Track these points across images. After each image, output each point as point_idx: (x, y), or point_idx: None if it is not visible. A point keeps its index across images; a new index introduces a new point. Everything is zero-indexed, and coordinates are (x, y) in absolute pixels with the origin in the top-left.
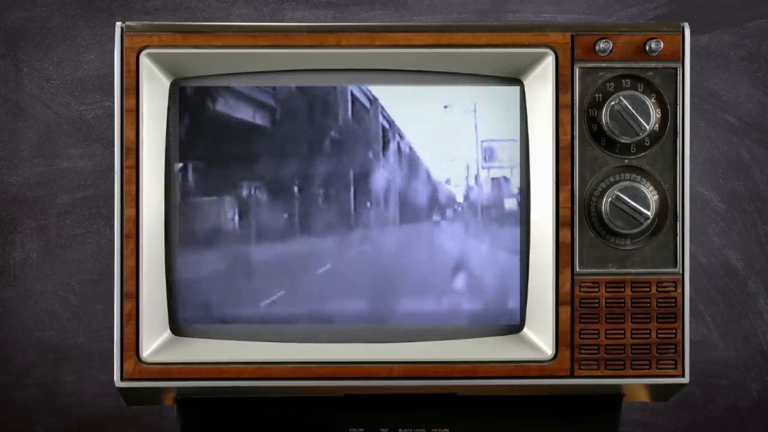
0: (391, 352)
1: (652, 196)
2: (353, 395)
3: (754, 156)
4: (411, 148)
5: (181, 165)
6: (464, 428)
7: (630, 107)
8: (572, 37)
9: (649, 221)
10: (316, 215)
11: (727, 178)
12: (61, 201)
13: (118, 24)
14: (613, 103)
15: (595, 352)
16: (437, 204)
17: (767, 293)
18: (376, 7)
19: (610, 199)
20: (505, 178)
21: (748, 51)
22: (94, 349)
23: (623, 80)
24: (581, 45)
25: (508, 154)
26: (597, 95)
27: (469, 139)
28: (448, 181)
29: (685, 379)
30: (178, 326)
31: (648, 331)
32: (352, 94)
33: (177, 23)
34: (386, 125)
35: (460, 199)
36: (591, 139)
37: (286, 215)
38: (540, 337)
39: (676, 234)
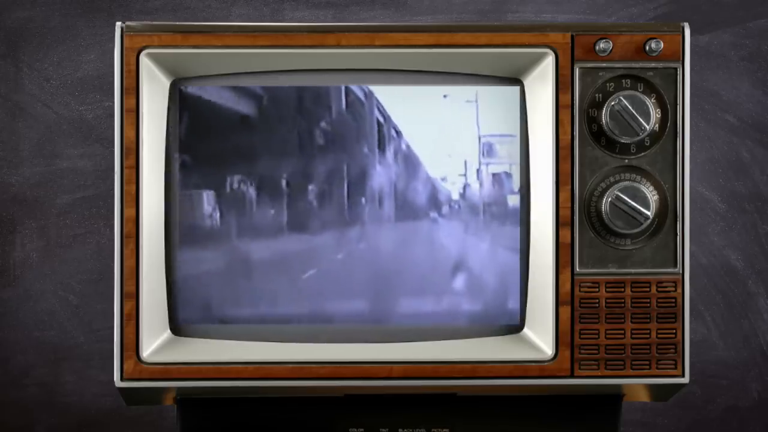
0: (390, 352)
1: (652, 196)
2: (353, 395)
3: (754, 156)
4: (408, 146)
5: (180, 165)
6: (464, 428)
7: (630, 107)
8: (572, 37)
9: (649, 221)
10: (317, 214)
11: (727, 178)
12: (61, 201)
13: (118, 24)
14: (613, 103)
15: (595, 352)
16: (436, 202)
17: (767, 293)
18: (376, 7)
19: (610, 199)
20: (505, 176)
21: (748, 51)
22: (94, 349)
23: (623, 80)
24: (581, 45)
25: (508, 151)
26: (597, 95)
27: (469, 138)
28: (446, 179)
29: (685, 379)
30: (178, 326)
31: (648, 331)
32: (354, 94)
33: (177, 23)
34: (381, 120)
35: (460, 196)
36: (591, 139)
37: (287, 215)
38: (540, 337)
39: (676, 234)
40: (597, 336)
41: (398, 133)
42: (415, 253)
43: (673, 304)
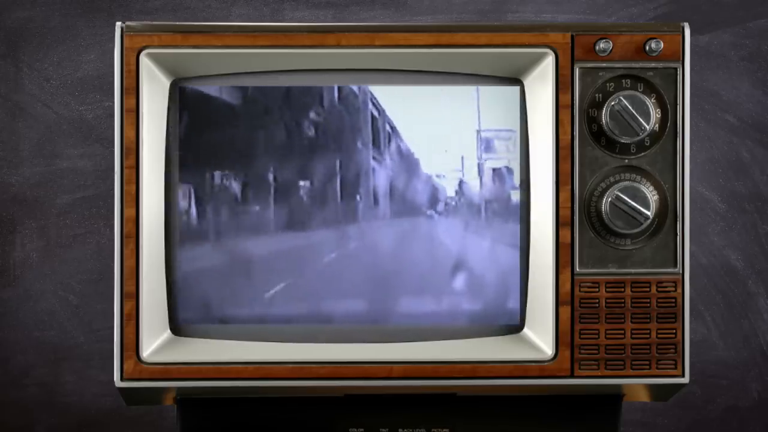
0: (390, 352)
1: (652, 196)
2: (353, 395)
3: (754, 156)
4: (408, 145)
5: (180, 164)
6: (464, 428)
7: (630, 107)
8: (572, 37)
9: (649, 221)
10: (318, 213)
11: (727, 178)
12: (61, 201)
13: (118, 24)
14: (613, 103)
15: (595, 352)
16: (437, 199)
17: (767, 293)
18: (376, 7)
19: (610, 199)
20: (505, 174)
21: (748, 51)
22: (94, 349)
23: (623, 80)
24: (581, 45)
25: (507, 150)
26: (597, 95)
27: (470, 138)
28: (445, 178)
29: (685, 379)
30: (178, 326)
31: (648, 331)
32: (356, 93)
33: (177, 23)
34: (376, 114)
35: (459, 195)
36: (591, 139)
37: (287, 214)
38: (540, 337)
39: (676, 234)
40: (597, 336)
41: (399, 133)
42: (415, 252)
43: (673, 304)
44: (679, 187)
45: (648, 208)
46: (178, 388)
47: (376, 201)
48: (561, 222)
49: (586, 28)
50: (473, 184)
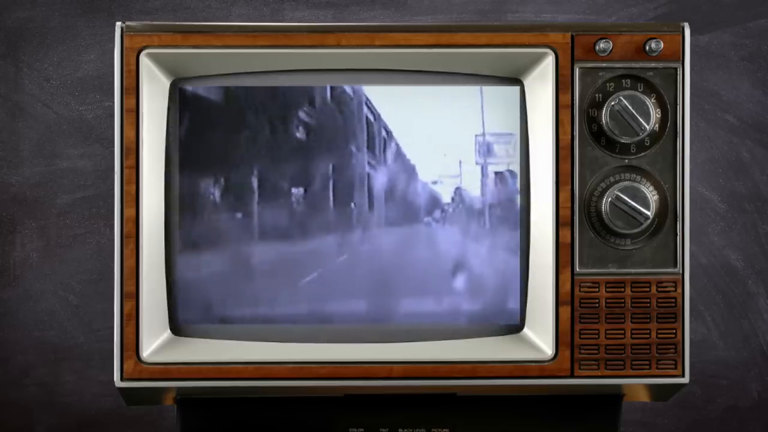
0: (390, 352)
1: (652, 196)
2: (353, 395)
3: (754, 156)
4: (407, 148)
5: (180, 164)
6: (464, 428)
7: (630, 107)
8: (572, 37)
9: (649, 221)
10: (317, 214)
11: (727, 178)
12: (61, 201)
13: (118, 24)
14: (613, 103)
15: (595, 352)
16: (437, 202)
17: (767, 293)
18: (376, 7)
19: (610, 199)
20: (505, 175)
21: (748, 51)
22: (94, 349)
23: (623, 80)
24: (581, 45)
25: (507, 150)
26: (597, 95)
27: (470, 138)
28: (444, 178)
29: (685, 379)
30: (178, 326)
31: (648, 331)
32: (351, 96)
33: (177, 23)
34: (372, 118)
35: (460, 196)
36: (591, 139)
37: (287, 215)
38: (540, 337)
39: (676, 234)
40: (597, 336)
41: (398, 136)
42: (415, 252)
43: (673, 304)
44: (679, 187)
45: (648, 208)
46: (178, 388)
47: (380, 203)
48: (561, 222)
49: (586, 28)
50: (473, 186)
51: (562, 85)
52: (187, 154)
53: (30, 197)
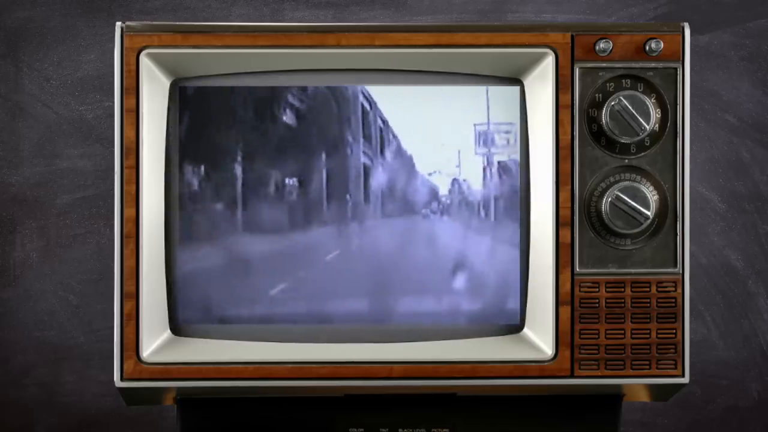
0: (390, 352)
1: (652, 196)
2: (353, 395)
3: (754, 156)
4: (407, 144)
5: (180, 164)
6: (464, 428)
7: (630, 107)
8: (572, 37)
9: (649, 221)
10: (317, 212)
11: (727, 178)
12: (61, 201)
13: (118, 24)
14: (613, 103)
15: (595, 352)
16: (437, 199)
17: (767, 293)
18: (376, 7)
19: (610, 199)
20: (505, 175)
21: (748, 51)
22: (94, 349)
23: (623, 80)
24: (581, 45)
25: (507, 150)
26: (597, 95)
27: (470, 138)
28: (443, 176)
29: (685, 379)
30: (178, 326)
31: (648, 331)
32: (362, 95)
33: (177, 23)
34: (380, 123)
35: (458, 194)
36: (591, 139)
37: (288, 214)
38: (540, 337)
39: (676, 234)
40: (597, 336)
41: (397, 132)
42: (415, 251)
43: (673, 304)
44: (679, 187)
45: (648, 208)
46: (178, 388)
47: (377, 199)
48: (561, 222)
49: (586, 28)
50: (473, 183)
51: (562, 85)
52: (187, 153)
53: (30, 197)
